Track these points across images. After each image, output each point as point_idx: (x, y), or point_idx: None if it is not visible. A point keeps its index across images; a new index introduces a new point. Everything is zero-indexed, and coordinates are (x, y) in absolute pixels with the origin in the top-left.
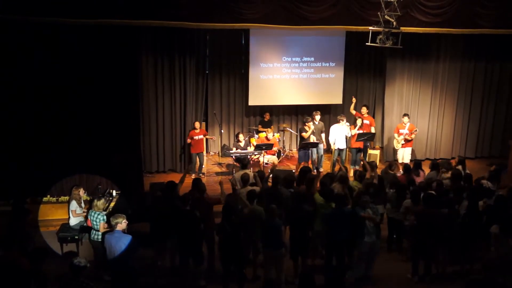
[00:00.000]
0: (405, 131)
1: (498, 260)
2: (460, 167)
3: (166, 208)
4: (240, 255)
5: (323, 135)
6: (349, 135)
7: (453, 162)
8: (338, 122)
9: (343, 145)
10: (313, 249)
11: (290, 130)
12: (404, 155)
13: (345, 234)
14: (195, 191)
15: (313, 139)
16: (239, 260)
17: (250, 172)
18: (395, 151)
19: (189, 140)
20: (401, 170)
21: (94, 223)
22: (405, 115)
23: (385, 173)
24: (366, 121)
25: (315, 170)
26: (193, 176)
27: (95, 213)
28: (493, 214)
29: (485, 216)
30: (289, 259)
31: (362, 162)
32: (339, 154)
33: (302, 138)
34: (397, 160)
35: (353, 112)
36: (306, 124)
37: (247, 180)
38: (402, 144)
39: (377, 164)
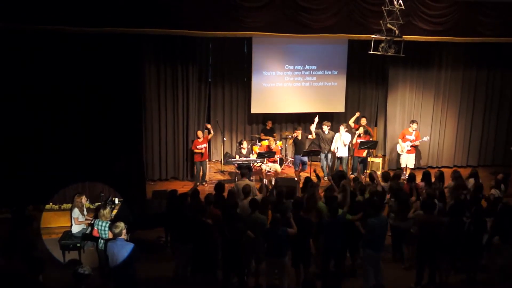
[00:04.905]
0: (411, 137)
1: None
2: (472, 179)
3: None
4: (241, 263)
5: (333, 144)
6: (346, 142)
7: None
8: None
9: (342, 154)
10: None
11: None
12: (408, 161)
13: (340, 242)
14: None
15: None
16: (240, 268)
17: (251, 183)
18: (398, 157)
19: (196, 150)
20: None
21: (102, 232)
22: (413, 121)
23: (397, 184)
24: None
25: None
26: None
27: (102, 222)
28: (498, 223)
29: (491, 226)
30: (291, 267)
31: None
32: (340, 163)
33: (295, 144)
34: (401, 169)
35: (352, 124)
36: (296, 131)
37: (248, 192)
38: (407, 150)
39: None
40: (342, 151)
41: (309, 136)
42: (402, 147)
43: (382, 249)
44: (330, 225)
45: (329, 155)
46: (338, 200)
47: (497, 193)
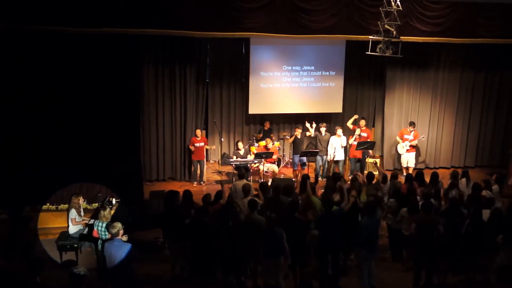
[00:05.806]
0: (410, 137)
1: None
2: (464, 179)
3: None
4: (239, 263)
5: (330, 150)
6: (344, 144)
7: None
8: (335, 133)
9: (338, 157)
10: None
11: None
12: (409, 160)
13: (337, 237)
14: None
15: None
16: (238, 269)
17: (249, 182)
18: (398, 157)
19: (192, 148)
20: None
21: (103, 233)
22: (411, 124)
23: (394, 185)
24: (364, 134)
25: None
26: (195, 184)
27: (102, 223)
28: (497, 223)
29: (489, 226)
30: (287, 269)
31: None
32: (336, 165)
33: (294, 144)
34: (401, 169)
35: (350, 126)
36: (296, 130)
37: (248, 191)
38: (407, 150)
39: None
40: (339, 154)
41: (307, 133)
42: (402, 146)
43: (377, 250)
44: (325, 219)
45: (325, 157)
46: (336, 200)
47: (488, 194)
